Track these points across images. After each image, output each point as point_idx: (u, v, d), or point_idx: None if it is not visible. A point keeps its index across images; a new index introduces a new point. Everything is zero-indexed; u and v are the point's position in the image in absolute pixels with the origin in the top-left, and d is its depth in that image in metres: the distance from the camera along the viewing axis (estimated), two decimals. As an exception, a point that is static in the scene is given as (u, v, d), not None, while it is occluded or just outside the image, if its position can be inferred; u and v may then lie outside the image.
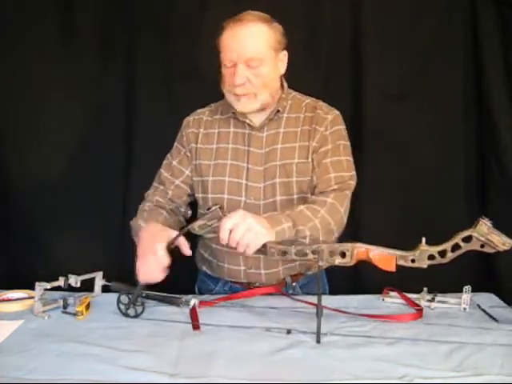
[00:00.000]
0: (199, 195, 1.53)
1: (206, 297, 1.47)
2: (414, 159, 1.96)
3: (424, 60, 1.92)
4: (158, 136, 1.70)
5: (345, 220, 1.41)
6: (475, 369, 1.04)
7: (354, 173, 1.47)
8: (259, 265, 1.48)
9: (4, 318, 1.28)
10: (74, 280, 1.34)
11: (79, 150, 1.97)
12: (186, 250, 1.30)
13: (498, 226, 1.18)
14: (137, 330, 1.22)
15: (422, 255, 1.19)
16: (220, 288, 1.56)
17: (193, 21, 1.92)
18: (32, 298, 1.33)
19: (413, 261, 1.19)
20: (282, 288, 1.50)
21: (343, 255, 1.20)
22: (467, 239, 1.18)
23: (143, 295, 1.34)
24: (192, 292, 1.60)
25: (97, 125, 1.97)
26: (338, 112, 1.50)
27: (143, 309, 1.30)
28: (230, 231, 1.21)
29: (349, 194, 1.43)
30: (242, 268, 1.49)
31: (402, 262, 1.20)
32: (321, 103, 1.52)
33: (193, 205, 1.59)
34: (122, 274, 1.45)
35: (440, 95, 1.93)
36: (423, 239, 1.19)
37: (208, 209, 1.29)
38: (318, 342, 1.15)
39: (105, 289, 1.44)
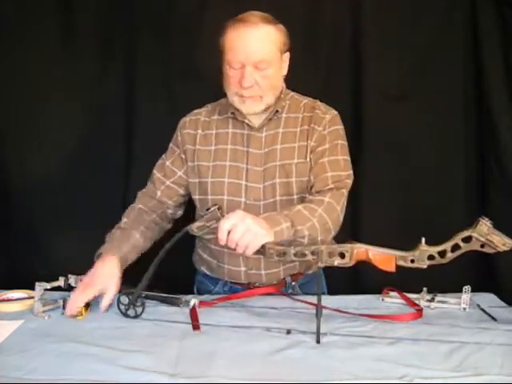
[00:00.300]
0: (197, 197, 1.52)
1: (205, 297, 1.47)
2: (414, 159, 1.96)
3: (424, 60, 1.92)
4: (158, 136, 1.69)
5: (341, 219, 1.41)
6: (475, 369, 1.04)
7: (350, 172, 1.47)
8: (260, 265, 1.48)
9: (4, 317, 1.28)
10: (74, 280, 1.34)
11: (79, 149, 1.97)
12: (104, 305, 1.30)
13: (498, 226, 1.17)
14: (137, 330, 1.22)
15: (422, 255, 1.19)
16: (219, 289, 1.56)
17: (193, 21, 1.91)
18: (32, 297, 1.34)
19: (412, 261, 1.19)
20: (282, 288, 1.50)
21: (342, 256, 1.20)
22: (467, 239, 1.17)
23: (143, 295, 1.34)
24: (191, 293, 1.60)
25: (97, 125, 1.97)
26: (336, 112, 1.50)
27: (143, 309, 1.30)
28: (229, 232, 1.21)
29: (345, 192, 1.44)
30: (243, 269, 1.49)
31: (401, 263, 1.20)
32: (319, 103, 1.52)
33: (186, 205, 1.59)
34: (121, 273, 1.45)
35: (440, 95, 1.93)
36: (423, 239, 1.19)
37: (207, 209, 1.29)
38: (318, 342, 1.15)
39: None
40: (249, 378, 1.01)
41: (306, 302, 1.36)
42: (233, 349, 1.13)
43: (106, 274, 1.32)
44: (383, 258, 1.20)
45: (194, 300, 1.35)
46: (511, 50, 1.84)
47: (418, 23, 1.91)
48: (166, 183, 1.53)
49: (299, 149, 1.46)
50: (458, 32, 1.91)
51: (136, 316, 1.29)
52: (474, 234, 1.17)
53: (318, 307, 1.16)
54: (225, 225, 1.21)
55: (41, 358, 1.07)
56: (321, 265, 1.19)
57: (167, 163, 1.55)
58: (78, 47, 1.93)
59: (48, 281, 1.32)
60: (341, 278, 1.76)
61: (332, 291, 1.58)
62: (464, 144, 1.96)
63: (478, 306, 1.38)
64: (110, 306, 1.31)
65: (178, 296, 1.38)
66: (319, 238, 1.32)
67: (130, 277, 1.32)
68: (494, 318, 1.31)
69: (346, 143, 1.50)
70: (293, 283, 1.53)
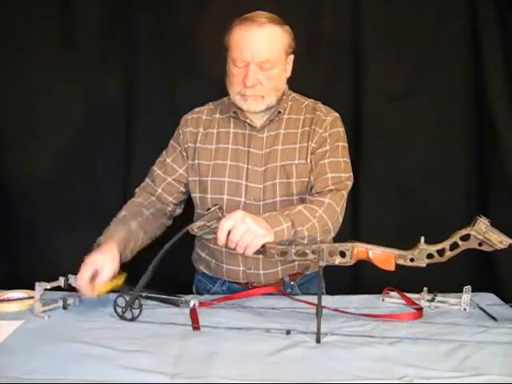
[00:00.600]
0: (196, 195, 1.52)
1: (205, 297, 1.47)
2: (414, 159, 1.96)
3: (424, 60, 1.92)
4: (158, 136, 1.70)
5: (340, 220, 1.42)
6: (475, 368, 1.04)
7: (351, 174, 1.48)
8: (258, 265, 1.48)
9: (4, 317, 1.28)
10: (74, 280, 1.33)
11: (79, 150, 1.96)
12: (97, 282, 1.28)
13: (498, 225, 1.18)
14: (137, 331, 1.22)
15: (421, 254, 1.19)
16: (218, 288, 1.56)
17: (193, 21, 1.91)
18: (32, 298, 1.34)
19: (412, 260, 1.20)
20: (281, 287, 1.50)
21: (343, 255, 1.20)
22: (465, 238, 1.18)
23: (143, 295, 1.33)
24: (191, 292, 1.60)
25: (97, 125, 1.97)
26: (337, 114, 1.51)
27: (140, 311, 1.28)
28: (229, 232, 1.21)
29: (345, 194, 1.44)
30: (242, 268, 1.49)
31: (401, 261, 1.20)
32: (320, 105, 1.52)
33: (185, 203, 1.59)
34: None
35: (440, 95, 1.93)
36: (422, 238, 1.19)
37: (207, 209, 1.29)
38: (318, 341, 1.15)
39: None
40: (249, 378, 1.01)
41: (306, 302, 1.36)
42: (233, 349, 1.13)
43: (103, 254, 1.31)
44: (383, 256, 1.20)
45: (193, 300, 1.35)
46: (511, 49, 1.84)
47: (418, 23, 1.91)
48: (166, 180, 1.53)
49: (300, 150, 1.46)
50: (458, 32, 1.91)
51: (133, 319, 1.27)
52: (472, 232, 1.17)
53: (319, 307, 1.16)
54: (225, 224, 1.21)
55: (41, 358, 1.07)
56: (322, 264, 1.19)
57: (168, 160, 1.55)
58: (78, 47, 1.93)
59: (48, 281, 1.32)
60: (341, 277, 1.76)
61: (332, 291, 1.57)
62: (464, 144, 1.96)
63: (478, 305, 1.38)
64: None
65: (177, 296, 1.38)
66: (319, 239, 1.32)
67: (130, 277, 1.31)
68: (494, 318, 1.31)
69: (346, 145, 1.50)
70: (291, 283, 1.53)
